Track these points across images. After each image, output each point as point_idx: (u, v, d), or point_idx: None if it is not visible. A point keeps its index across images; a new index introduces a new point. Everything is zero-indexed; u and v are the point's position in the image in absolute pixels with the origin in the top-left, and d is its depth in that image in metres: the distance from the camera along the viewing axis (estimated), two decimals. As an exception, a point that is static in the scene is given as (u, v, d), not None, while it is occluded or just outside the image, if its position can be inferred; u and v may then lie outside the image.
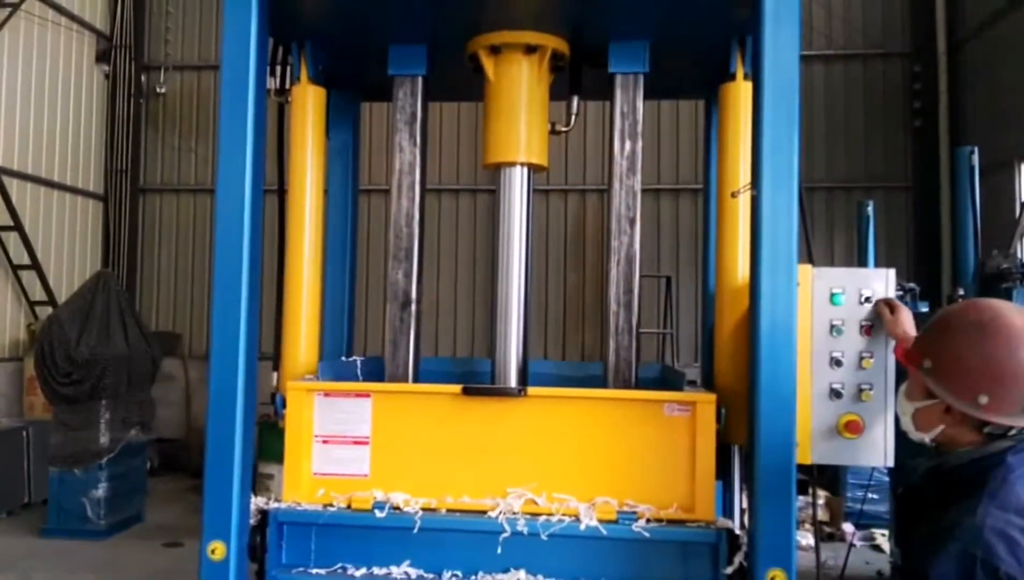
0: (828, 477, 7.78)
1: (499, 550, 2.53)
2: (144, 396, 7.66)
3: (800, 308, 2.47)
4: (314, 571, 2.63)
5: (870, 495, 7.34)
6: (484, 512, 2.56)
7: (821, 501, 7.46)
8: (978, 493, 1.69)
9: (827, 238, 10.30)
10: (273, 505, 2.64)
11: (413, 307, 2.96)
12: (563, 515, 2.53)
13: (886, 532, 7.09)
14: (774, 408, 2.37)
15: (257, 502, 2.63)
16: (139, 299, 11.04)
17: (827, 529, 7.48)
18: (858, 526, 7.14)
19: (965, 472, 1.77)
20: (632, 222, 2.89)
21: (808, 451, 2.54)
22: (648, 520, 2.50)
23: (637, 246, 2.86)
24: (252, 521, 2.59)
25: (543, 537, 2.50)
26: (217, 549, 2.52)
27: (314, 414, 2.71)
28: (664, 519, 2.51)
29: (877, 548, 7.22)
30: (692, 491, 2.55)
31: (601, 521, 2.49)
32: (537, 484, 2.59)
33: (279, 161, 3.15)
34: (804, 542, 6.66)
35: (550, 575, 2.54)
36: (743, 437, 2.61)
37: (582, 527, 2.48)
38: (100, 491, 7.19)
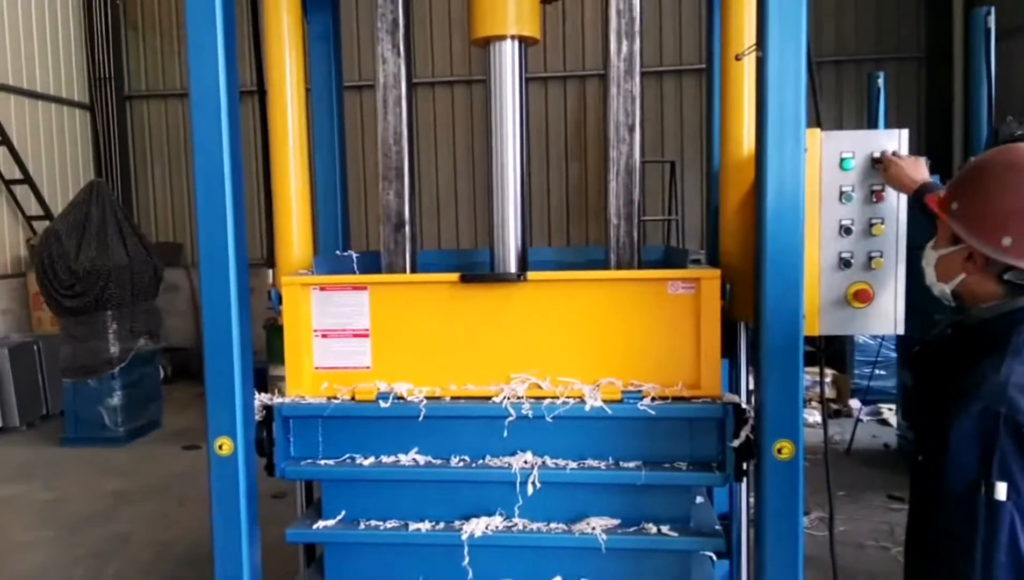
0: (836, 350, 7.83)
1: (505, 434, 2.52)
2: (149, 305, 7.67)
3: (808, 175, 2.36)
4: (322, 462, 2.64)
5: (877, 371, 7.41)
6: (488, 398, 2.54)
7: (828, 379, 7.53)
8: (1001, 350, 1.62)
9: (836, 114, 10.05)
10: (277, 400, 2.62)
11: (407, 229, 2.86)
12: (568, 398, 2.50)
13: (893, 407, 7.18)
14: (781, 279, 2.29)
15: (261, 398, 2.62)
16: (136, 211, 10.95)
17: (834, 406, 7.58)
18: (865, 402, 7.23)
19: (989, 328, 1.70)
20: (632, 130, 2.73)
21: (816, 323, 2.48)
22: (653, 398, 2.48)
23: (637, 156, 2.71)
24: (257, 417, 2.58)
25: (548, 420, 2.48)
26: (224, 445, 2.51)
27: (311, 309, 2.66)
28: (670, 397, 2.49)
29: (884, 423, 7.33)
30: (697, 368, 2.51)
31: (606, 401, 2.47)
32: (541, 369, 2.56)
33: (255, 48, 2.99)
34: (811, 419, 6.75)
35: (557, 456, 2.55)
36: (749, 314, 2.55)
37: (587, 408, 2.46)
38: (115, 399, 7.30)
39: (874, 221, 2.51)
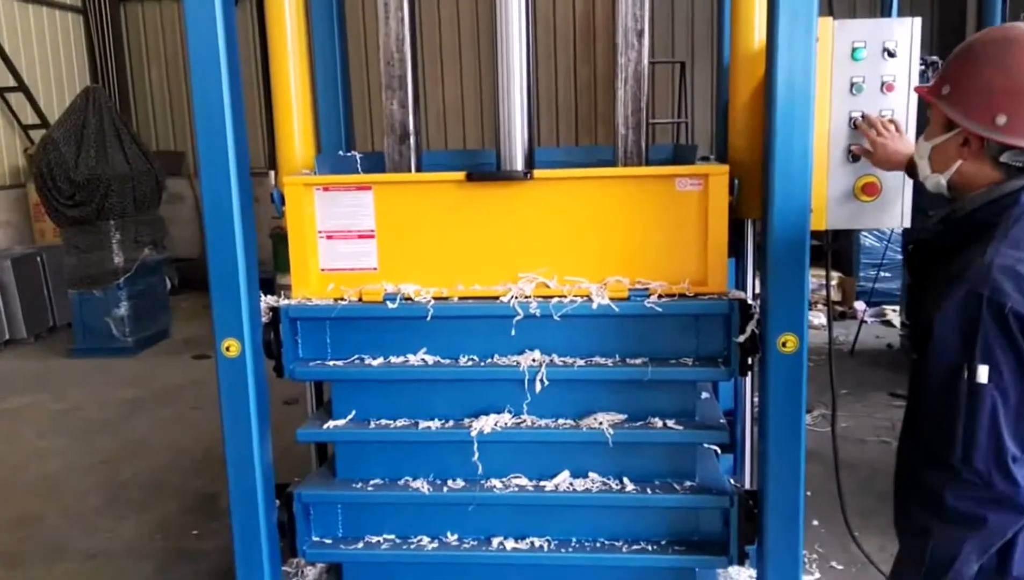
0: (841, 252, 7.79)
1: (512, 333, 2.53)
2: (152, 215, 7.63)
3: (818, 66, 2.29)
4: (331, 363, 2.66)
5: (882, 273, 7.41)
6: (496, 298, 2.54)
7: (834, 282, 7.52)
8: (989, 235, 1.58)
9: (849, 3, 9.75)
10: (283, 302, 2.62)
11: (412, 140, 2.78)
12: (575, 296, 2.50)
13: (897, 308, 7.21)
14: (789, 172, 2.25)
15: (267, 300, 2.62)
16: (135, 119, 10.78)
17: (839, 308, 7.60)
18: (869, 304, 7.25)
19: (979, 216, 1.65)
20: (640, 35, 2.63)
21: (823, 217, 2.45)
22: (660, 296, 2.47)
23: (645, 62, 2.61)
24: (264, 319, 2.59)
25: (556, 318, 2.48)
26: (231, 346, 2.53)
27: (315, 210, 2.63)
28: (676, 294, 2.48)
29: (888, 323, 7.37)
30: (704, 265, 2.50)
31: (613, 299, 2.47)
32: (548, 268, 2.55)
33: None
34: (816, 321, 6.79)
35: (564, 354, 2.57)
36: (757, 211, 2.52)
37: (594, 306, 2.46)
38: (122, 310, 7.34)
39: (884, 113, 2.44)
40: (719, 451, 2.89)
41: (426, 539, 2.68)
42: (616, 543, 2.62)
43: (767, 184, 2.29)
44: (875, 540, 3.53)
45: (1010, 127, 1.58)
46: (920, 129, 2.47)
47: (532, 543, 2.64)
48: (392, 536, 2.71)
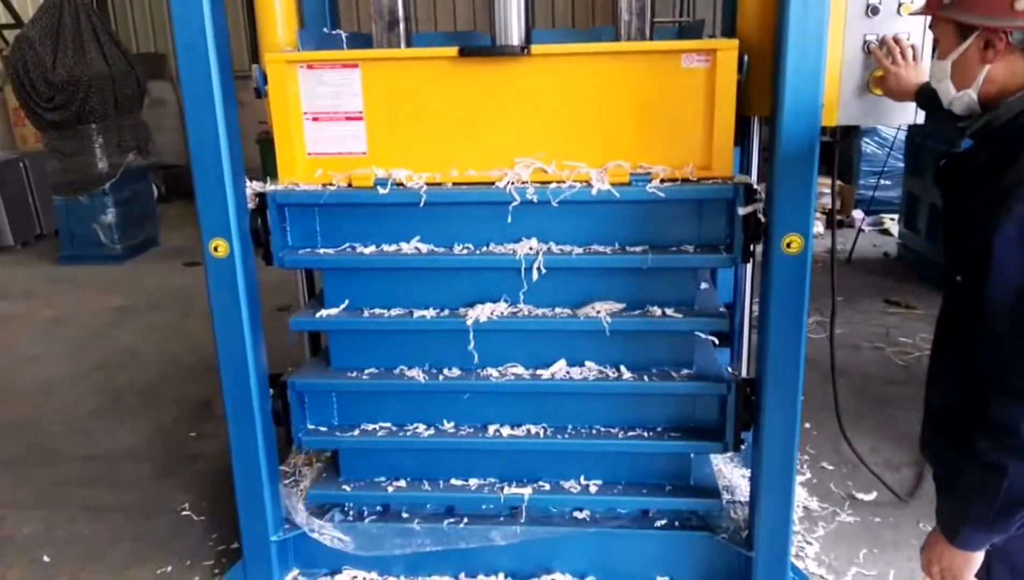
0: (843, 158, 7.67)
1: (509, 220, 2.45)
2: (135, 119, 7.41)
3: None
4: (321, 251, 2.59)
5: (882, 182, 7.31)
6: (491, 184, 2.44)
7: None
8: None
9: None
10: (270, 188, 2.51)
11: (401, 27, 2.63)
12: (574, 181, 2.40)
13: (895, 216, 7.14)
14: (801, 62, 2.14)
15: (253, 186, 2.51)
16: (113, 18, 10.39)
17: (838, 216, 7.53)
18: (868, 212, 7.18)
19: (1021, 122, 1.49)
20: None
21: (835, 112, 2.36)
22: (662, 181, 2.38)
23: None
24: (250, 205, 2.49)
25: (554, 205, 2.39)
26: (219, 246, 2.46)
27: (299, 89, 2.49)
28: (679, 179, 2.39)
29: (885, 232, 7.33)
30: (710, 149, 2.39)
31: (613, 184, 2.37)
32: (546, 153, 2.45)
33: None
34: (816, 230, 6.72)
35: (562, 242, 2.50)
36: (764, 107, 2.41)
37: (593, 192, 2.37)
38: (109, 216, 7.22)
39: (903, 1, 2.32)
40: (716, 341, 2.86)
41: (422, 427, 2.68)
42: (612, 430, 2.62)
43: (778, 78, 2.19)
44: (866, 442, 3.58)
45: None
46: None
47: (528, 430, 2.64)
48: (388, 424, 2.71)
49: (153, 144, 7.98)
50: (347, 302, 2.64)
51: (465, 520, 2.75)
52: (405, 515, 2.77)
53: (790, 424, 2.41)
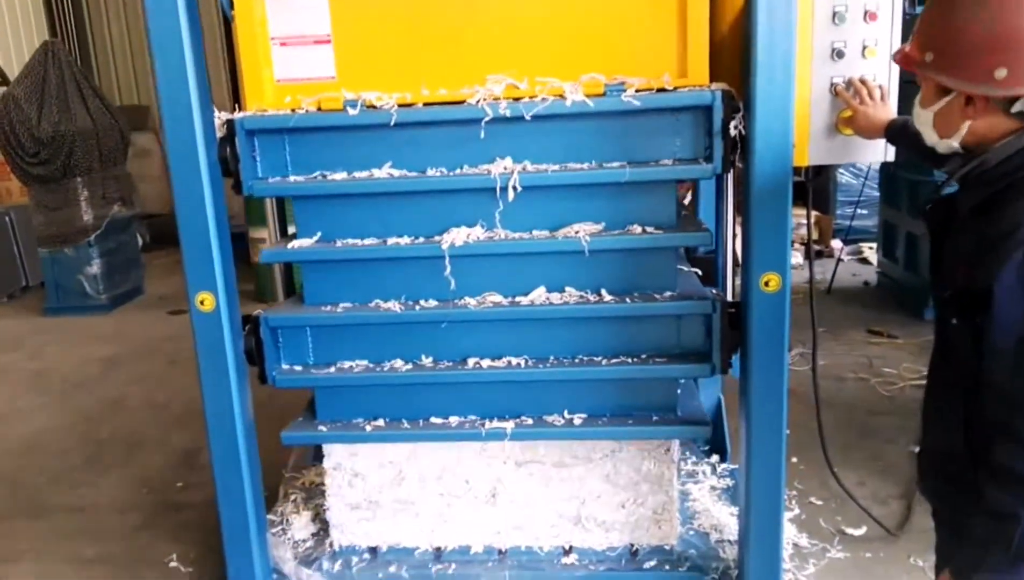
0: (819, 189, 7.78)
1: (482, 136, 2.40)
2: (120, 171, 7.45)
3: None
4: (292, 179, 2.55)
5: (859, 211, 7.41)
6: (463, 102, 2.40)
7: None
8: None
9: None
10: (239, 115, 2.47)
11: None
12: (547, 95, 2.36)
13: (873, 245, 7.23)
14: (771, 111, 2.22)
15: (221, 115, 2.47)
16: (96, 73, 10.46)
17: (816, 247, 7.62)
18: (846, 242, 7.27)
19: (1012, 166, 1.51)
20: None
21: (806, 153, 2.42)
22: (638, 90, 2.34)
23: None
24: (218, 134, 2.45)
25: (527, 119, 2.35)
26: (206, 300, 2.48)
27: (266, 12, 2.46)
28: (655, 88, 2.36)
29: (864, 261, 7.41)
30: (684, 56, 2.37)
31: (588, 96, 2.34)
32: (518, 69, 2.40)
33: None
34: (793, 260, 6.80)
35: (537, 161, 2.46)
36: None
37: (568, 104, 2.33)
38: (95, 267, 7.21)
39: (867, 44, 2.39)
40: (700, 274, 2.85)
41: (399, 362, 2.61)
42: (596, 359, 2.56)
43: (749, 121, 2.25)
44: (853, 475, 3.59)
45: (1012, 78, 1.45)
46: (904, 94, 2.44)
47: (509, 362, 2.57)
48: (364, 362, 2.64)
49: (137, 194, 8.00)
50: (319, 234, 2.59)
51: (453, 566, 2.75)
52: (392, 567, 2.76)
53: (775, 459, 2.43)
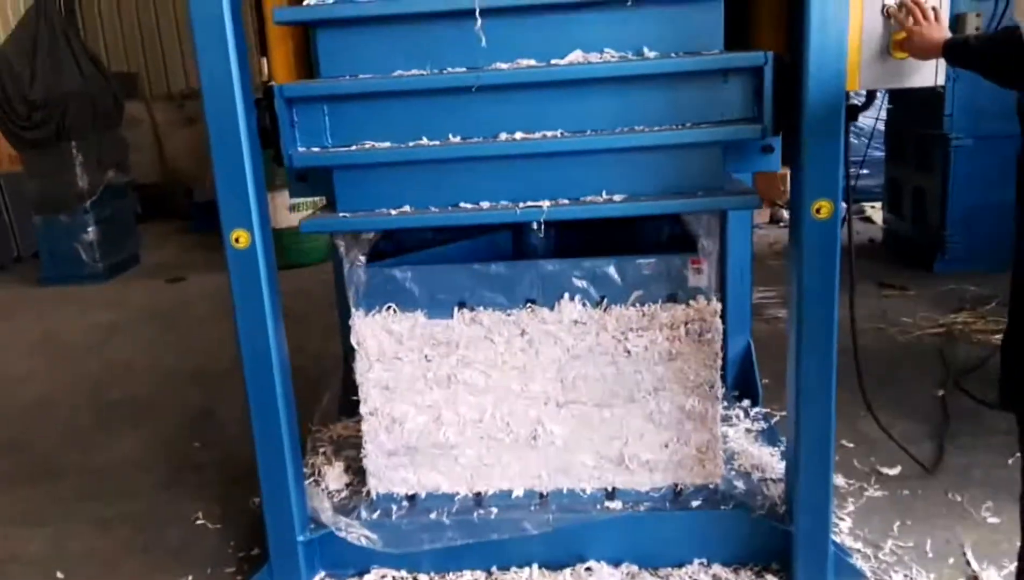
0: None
1: None
2: (114, 135, 7.31)
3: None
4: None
5: (863, 171, 7.38)
6: None
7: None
8: None
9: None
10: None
11: None
12: None
13: (877, 205, 7.23)
14: (825, 34, 2.16)
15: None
16: (83, 38, 10.23)
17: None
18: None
19: None
20: None
21: (857, 77, 2.36)
22: None
23: None
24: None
25: None
26: (240, 237, 2.40)
27: None
28: None
29: (868, 220, 7.41)
30: None
31: None
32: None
33: None
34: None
35: None
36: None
37: None
38: (91, 235, 7.08)
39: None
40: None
41: (425, 140, 2.39)
42: (636, 129, 2.36)
43: (802, 46, 2.20)
44: (881, 418, 3.53)
45: None
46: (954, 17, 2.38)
47: (544, 136, 2.37)
48: (387, 143, 2.41)
49: (130, 162, 7.86)
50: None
51: (495, 511, 2.71)
52: (433, 514, 2.71)
53: (827, 384, 2.40)
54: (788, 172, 2.48)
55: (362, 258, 2.65)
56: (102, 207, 7.13)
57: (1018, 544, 2.04)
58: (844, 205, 6.79)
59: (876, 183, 7.22)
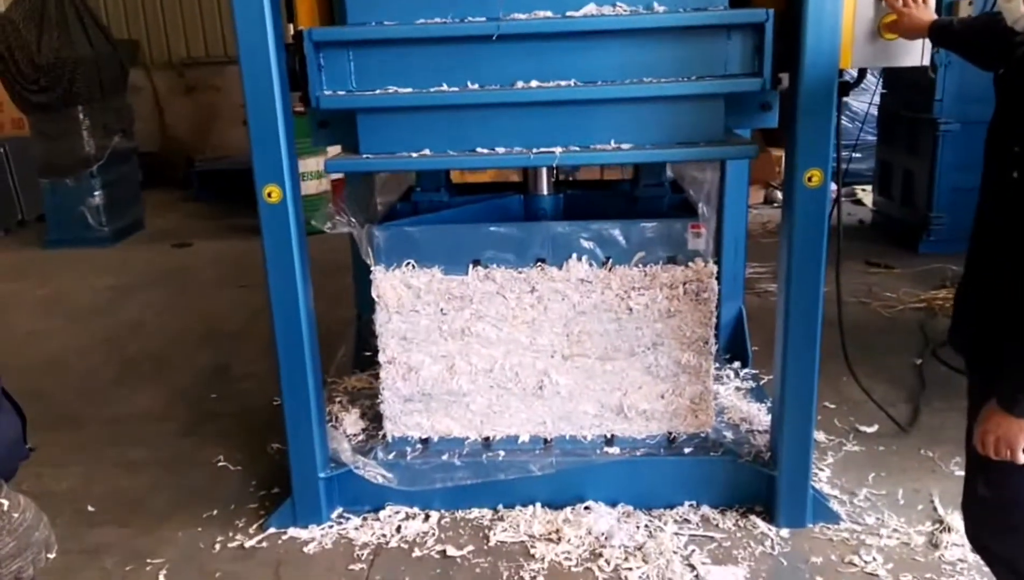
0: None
1: None
2: (120, 101, 7.40)
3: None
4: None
5: (854, 154, 7.58)
6: None
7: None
8: None
9: None
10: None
11: None
12: None
13: (867, 187, 7.44)
14: (821, 13, 2.35)
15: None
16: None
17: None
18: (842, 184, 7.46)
19: None
20: None
21: (849, 55, 2.55)
22: None
23: None
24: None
25: None
26: (273, 192, 2.58)
27: None
28: None
29: (858, 202, 7.61)
30: None
31: None
32: None
33: None
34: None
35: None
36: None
37: None
38: (97, 199, 7.19)
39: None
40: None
41: (445, 86, 2.55)
42: (644, 80, 2.54)
43: (800, 27, 2.38)
44: (862, 382, 3.79)
45: None
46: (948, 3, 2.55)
47: (558, 85, 2.54)
48: (409, 89, 2.56)
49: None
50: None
51: (502, 454, 2.91)
52: (445, 456, 2.92)
53: (811, 338, 2.61)
54: (783, 154, 2.67)
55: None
56: (108, 172, 7.24)
57: None
58: (834, 186, 6.90)
59: (868, 167, 7.43)
